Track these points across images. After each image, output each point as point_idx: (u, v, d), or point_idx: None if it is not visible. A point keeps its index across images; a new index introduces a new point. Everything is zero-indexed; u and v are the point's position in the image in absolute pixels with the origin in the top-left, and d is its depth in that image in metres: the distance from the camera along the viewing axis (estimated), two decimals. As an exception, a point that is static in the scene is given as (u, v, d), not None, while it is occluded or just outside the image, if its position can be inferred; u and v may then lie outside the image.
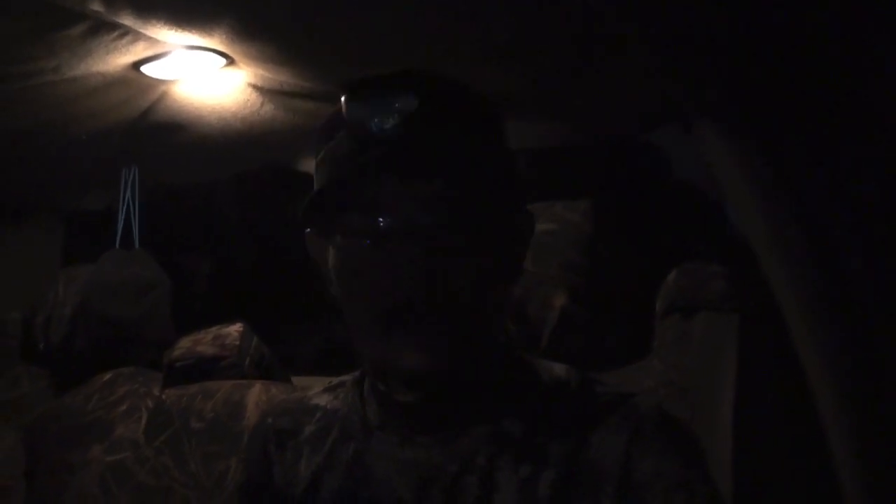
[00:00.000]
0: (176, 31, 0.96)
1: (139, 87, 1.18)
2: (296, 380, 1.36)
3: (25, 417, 1.36)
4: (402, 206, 0.55)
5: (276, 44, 1.03)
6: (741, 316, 1.02)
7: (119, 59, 1.06)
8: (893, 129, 0.88)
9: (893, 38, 0.85)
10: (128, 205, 1.60)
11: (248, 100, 1.26)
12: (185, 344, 1.29)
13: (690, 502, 0.53)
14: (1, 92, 1.13)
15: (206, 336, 1.29)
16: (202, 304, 2.06)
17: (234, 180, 1.81)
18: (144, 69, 1.11)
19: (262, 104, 1.28)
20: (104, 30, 0.97)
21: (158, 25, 0.95)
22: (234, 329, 1.29)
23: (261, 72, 1.15)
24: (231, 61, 1.10)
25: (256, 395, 1.20)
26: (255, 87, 1.21)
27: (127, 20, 0.94)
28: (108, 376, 1.33)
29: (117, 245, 1.60)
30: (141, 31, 0.97)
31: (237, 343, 1.27)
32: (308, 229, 0.64)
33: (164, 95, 1.24)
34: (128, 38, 1.00)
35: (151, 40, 1.01)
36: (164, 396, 1.26)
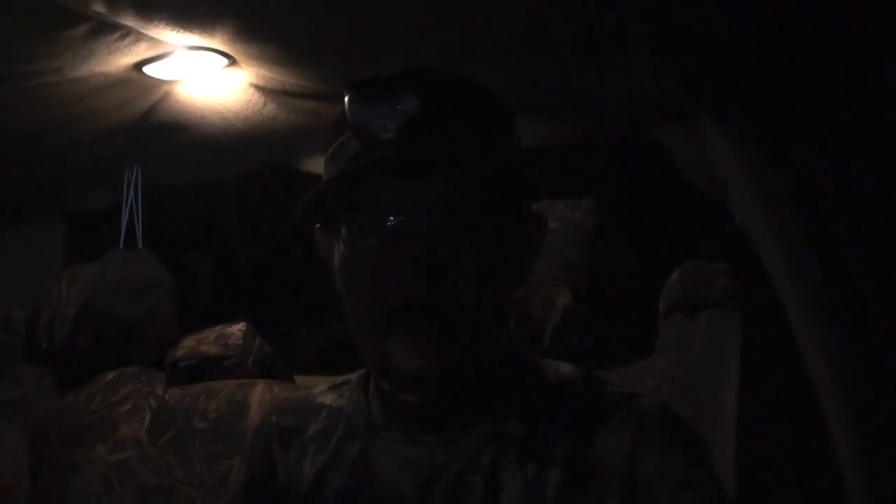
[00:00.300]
0: (178, 31, 0.96)
1: (141, 87, 1.18)
2: (299, 379, 1.36)
3: (29, 417, 1.36)
4: (407, 206, 0.55)
5: (278, 44, 1.03)
6: (744, 314, 1.01)
7: (121, 59, 1.07)
8: (895, 128, 0.88)
9: (894, 37, 0.85)
10: (131, 204, 1.60)
11: (251, 100, 1.26)
12: (188, 343, 1.29)
13: (696, 501, 0.53)
14: (4, 92, 1.14)
15: (209, 335, 1.29)
16: (205, 303, 2.06)
17: (236, 180, 1.81)
18: (147, 69, 1.11)
19: (265, 104, 1.28)
20: (106, 30, 0.97)
21: (160, 26, 0.95)
22: (238, 328, 1.29)
23: (263, 72, 1.15)
24: (233, 61, 1.10)
25: (260, 394, 1.20)
26: (257, 87, 1.21)
27: (129, 21, 0.94)
28: (111, 376, 1.33)
29: (121, 245, 1.60)
30: (143, 31, 0.97)
31: (240, 342, 1.27)
32: (317, 225, 0.64)
33: (166, 96, 1.24)
34: (130, 38, 1.00)
35: (153, 41, 1.01)
36: (167, 396, 1.26)
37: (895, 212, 0.89)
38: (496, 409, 0.60)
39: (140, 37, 0.99)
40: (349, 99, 0.56)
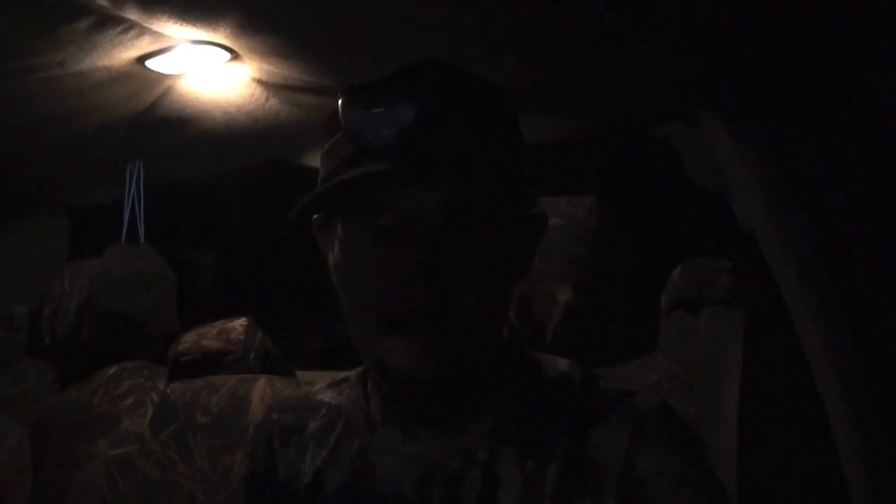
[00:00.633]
0: (181, 25, 0.96)
1: (144, 81, 1.18)
2: (300, 374, 1.36)
3: (32, 411, 1.37)
4: (405, 208, 0.54)
5: (281, 38, 1.03)
6: (747, 311, 1.01)
7: (124, 53, 1.06)
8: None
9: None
10: (133, 199, 1.60)
11: (253, 94, 1.26)
12: (190, 338, 1.29)
13: (694, 498, 0.53)
14: (6, 86, 1.14)
15: (211, 330, 1.29)
16: (207, 298, 2.06)
17: (238, 175, 1.81)
18: (149, 63, 1.11)
19: (267, 99, 1.28)
20: (109, 24, 0.97)
21: (163, 20, 0.95)
22: (239, 323, 1.29)
23: (266, 66, 1.15)
24: (236, 56, 1.10)
25: (261, 389, 1.21)
26: (259, 81, 1.21)
27: (132, 14, 0.94)
28: (113, 370, 1.33)
29: (122, 239, 1.60)
30: (146, 25, 0.97)
31: (242, 338, 1.27)
32: (315, 217, 0.63)
33: (168, 90, 1.24)
34: (133, 32, 1.00)
35: (156, 34, 1.01)
36: (169, 390, 1.26)
37: (900, 209, 0.88)
38: (495, 405, 0.60)
39: (143, 30, 0.99)
40: (342, 104, 0.55)
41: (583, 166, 1.52)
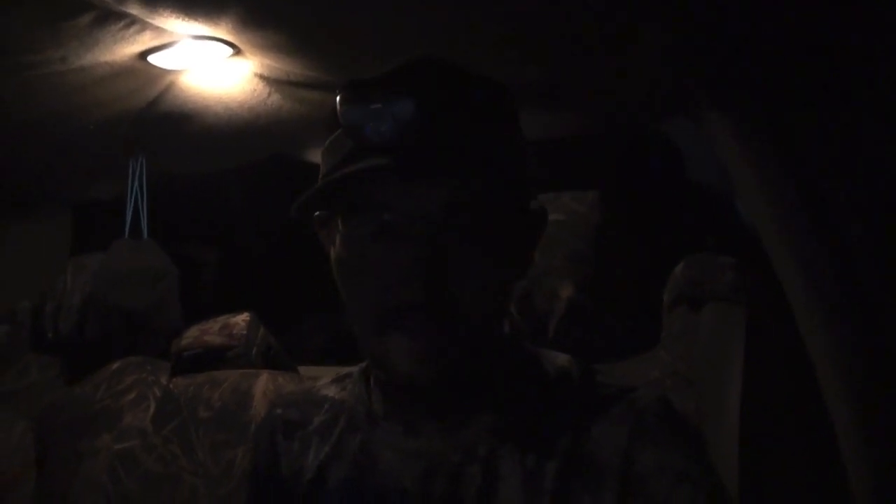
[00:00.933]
0: (183, 20, 0.96)
1: (146, 76, 1.18)
2: (303, 370, 1.36)
3: (35, 406, 1.37)
4: (405, 205, 0.54)
5: (284, 33, 1.02)
6: (749, 307, 1.01)
7: (126, 48, 1.06)
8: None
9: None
10: (135, 195, 1.60)
11: (255, 90, 1.26)
12: (192, 333, 1.29)
13: (694, 494, 0.53)
14: (8, 82, 1.14)
15: (213, 326, 1.29)
16: (210, 294, 2.07)
17: (241, 170, 1.81)
18: (151, 59, 1.11)
19: (269, 94, 1.28)
20: (111, 19, 0.97)
21: (165, 15, 0.95)
22: (242, 319, 1.29)
23: (268, 61, 1.14)
24: (238, 51, 1.10)
25: (264, 384, 1.21)
26: (261, 76, 1.21)
27: (134, 9, 0.94)
28: (116, 365, 1.34)
29: (125, 235, 1.61)
30: (148, 20, 0.97)
31: (244, 333, 1.28)
32: (316, 213, 0.63)
33: (170, 85, 1.24)
34: (135, 27, 0.99)
35: (158, 30, 1.01)
36: (171, 385, 1.27)
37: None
38: (495, 400, 0.60)
39: (145, 26, 0.99)
40: (340, 100, 0.54)
41: (586, 162, 1.52)
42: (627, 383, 0.61)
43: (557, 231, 1.07)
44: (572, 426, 0.57)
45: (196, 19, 0.96)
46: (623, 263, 1.11)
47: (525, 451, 0.57)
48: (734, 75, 0.97)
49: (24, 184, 1.70)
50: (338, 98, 0.55)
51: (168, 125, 1.38)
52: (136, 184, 1.60)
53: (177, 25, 0.98)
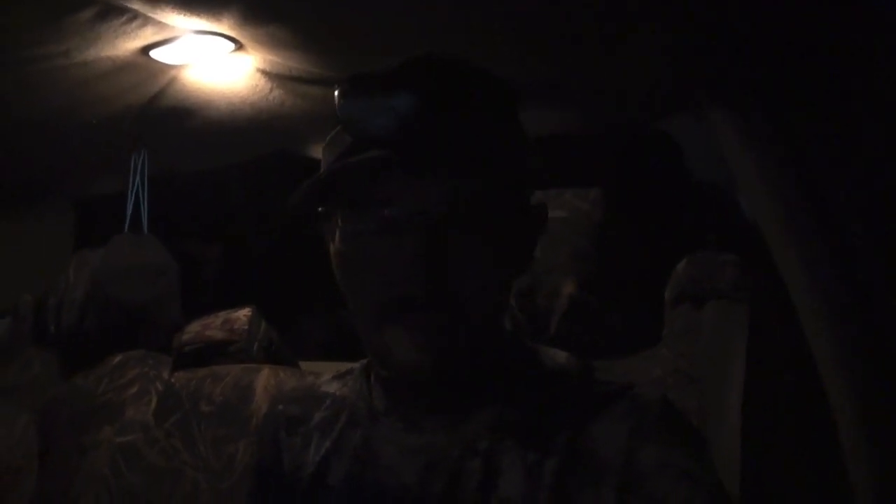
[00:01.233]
0: (185, 15, 0.96)
1: (148, 71, 1.18)
2: (304, 365, 1.37)
3: (38, 400, 1.38)
4: (405, 199, 0.54)
5: (286, 29, 1.02)
6: (751, 305, 1.01)
7: (128, 43, 1.06)
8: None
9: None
10: (137, 190, 1.60)
11: (257, 85, 1.26)
12: (194, 328, 1.30)
13: (693, 492, 0.53)
14: (10, 77, 1.14)
15: (215, 320, 1.29)
16: (211, 289, 2.07)
17: (242, 166, 1.81)
18: (153, 54, 1.11)
19: (271, 89, 1.27)
20: (113, 14, 0.96)
21: (167, 10, 0.95)
22: (243, 314, 1.29)
23: (270, 57, 1.14)
24: (240, 46, 1.10)
25: (265, 379, 1.21)
26: (263, 72, 1.21)
27: (136, 4, 0.93)
28: (117, 359, 1.34)
29: (126, 230, 1.61)
30: (150, 15, 0.97)
31: (246, 327, 1.28)
32: (319, 208, 0.63)
33: (172, 80, 1.24)
34: (137, 22, 0.99)
35: (160, 25, 1.01)
36: (173, 380, 1.27)
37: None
38: (496, 396, 0.60)
39: (147, 20, 0.99)
40: (339, 94, 0.54)
41: (588, 159, 1.51)
42: (626, 381, 0.61)
43: (560, 228, 1.07)
44: (572, 423, 0.57)
45: (198, 14, 0.96)
46: (625, 261, 1.11)
47: (526, 446, 0.57)
48: (736, 75, 0.97)
49: (25, 178, 1.70)
50: (336, 92, 0.55)
51: (170, 120, 1.38)
52: (138, 179, 1.60)
53: (179, 20, 0.98)
